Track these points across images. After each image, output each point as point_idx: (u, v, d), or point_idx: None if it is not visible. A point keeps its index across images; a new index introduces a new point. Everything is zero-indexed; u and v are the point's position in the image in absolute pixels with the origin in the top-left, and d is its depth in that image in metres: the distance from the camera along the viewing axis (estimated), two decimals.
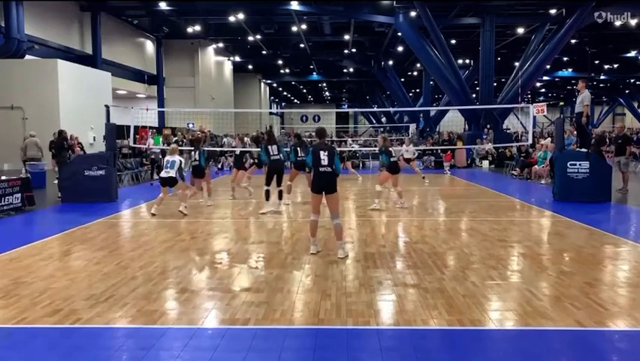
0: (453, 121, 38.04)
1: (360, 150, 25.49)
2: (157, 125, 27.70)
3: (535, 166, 17.27)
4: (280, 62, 43.54)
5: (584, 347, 4.29)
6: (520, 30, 30.59)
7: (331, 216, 7.21)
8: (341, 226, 7.25)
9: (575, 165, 12.25)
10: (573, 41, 32.89)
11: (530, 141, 18.67)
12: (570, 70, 46.09)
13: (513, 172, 19.30)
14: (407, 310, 4.98)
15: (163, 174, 10.90)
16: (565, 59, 42.18)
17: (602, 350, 4.24)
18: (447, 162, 22.50)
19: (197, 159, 11.80)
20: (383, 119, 55.29)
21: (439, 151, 24.04)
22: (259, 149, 12.30)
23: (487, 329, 4.59)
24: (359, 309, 5.00)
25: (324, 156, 7.16)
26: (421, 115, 37.00)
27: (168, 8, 27.44)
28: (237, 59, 42.56)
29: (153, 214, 10.66)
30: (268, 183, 10.99)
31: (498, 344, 4.41)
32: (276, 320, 4.74)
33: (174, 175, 10.76)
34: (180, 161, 10.91)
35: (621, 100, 56.97)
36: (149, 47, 33.86)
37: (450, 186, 16.75)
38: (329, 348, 4.18)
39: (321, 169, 7.16)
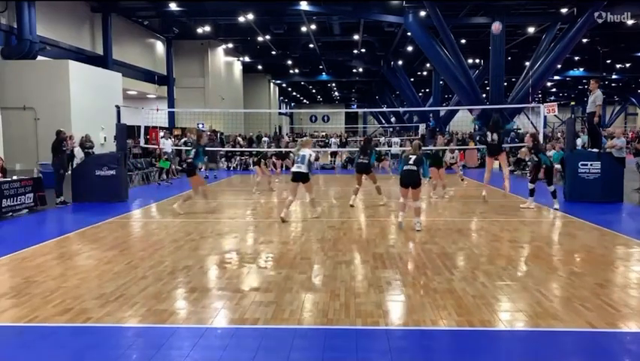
0: (463, 121, 37.80)
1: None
2: (167, 126, 27.87)
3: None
4: (289, 62, 43.55)
5: (595, 348, 4.26)
6: (531, 29, 30.37)
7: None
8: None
9: (586, 165, 12.15)
10: (584, 40, 32.58)
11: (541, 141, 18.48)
12: (581, 69, 45.66)
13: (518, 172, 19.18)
14: (416, 311, 4.96)
15: (294, 168, 10.11)
16: (576, 58, 41.80)
17: (614, 351, 4.20)
18: (460, 161, 22.36)
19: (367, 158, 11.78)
20: (392, 119, 55.13)
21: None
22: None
23: (497, 330, 4.56)
24: (368, 309, 4.99)
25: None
26: (431, 115, 36.84)
27: (178, 9, 27.54)
28: (247, 59, 42.61)
29: (283, 220, 9.84)
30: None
31: (508, 345, 4.39)
32: (285, 320, 4.75)
33: (305, 170, 9.94)
34: (311, 155, 10.06)
35: (633, 99, 56.35)
36: (160, 47, 34.00)
37: (460, 186, 16.65)
38: (338, 348, 4.18)
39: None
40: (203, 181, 11.71)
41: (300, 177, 9.98)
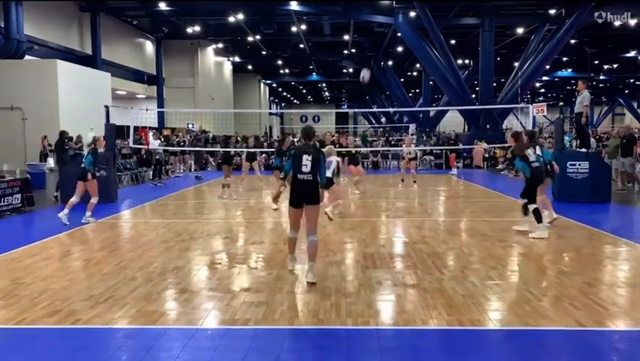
0: (453, 121, 37.98)
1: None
2: (157, 126, 27.74)
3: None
4: (280, 62, 43.53)
5: (584, 347, 4.29)
6: (520, 30, 30.60)
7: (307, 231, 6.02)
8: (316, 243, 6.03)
9: (575, 165, 12.25)
10: (573, 41, 32.87)
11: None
12: (570, 70, 46.08)
13: (507, 172, 19.31)
14: (406, 311, 4.98)
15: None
16: (564, 59, 42.16)
17: (602, 350, 4.24)
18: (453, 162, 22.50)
19: None
20: (383, 120, 55.26)
21: (448, 152, 23.91)
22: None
23: (487, 329, 4.59)
24: (358, 309, 5.00)
25: (306, 160, 5.90)
26: (421, 115, 36.99)
27: (168, 9, 27.44)
28: (237, 59, 42.53)
29: (330, 218, 9.86)
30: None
31: (497, 344, 4.41)
32: (276, 321, 4.74)
33: (330, 175, 10.16)
34: (338, 162, 10.22)
35: (621, 100, 56.95)
36: (149, 47, 33.85)
37: (450, 187, 16.75)
38: (328, 348, 4.18)
39: (300, 176, 5.93)
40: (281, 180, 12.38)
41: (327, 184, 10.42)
